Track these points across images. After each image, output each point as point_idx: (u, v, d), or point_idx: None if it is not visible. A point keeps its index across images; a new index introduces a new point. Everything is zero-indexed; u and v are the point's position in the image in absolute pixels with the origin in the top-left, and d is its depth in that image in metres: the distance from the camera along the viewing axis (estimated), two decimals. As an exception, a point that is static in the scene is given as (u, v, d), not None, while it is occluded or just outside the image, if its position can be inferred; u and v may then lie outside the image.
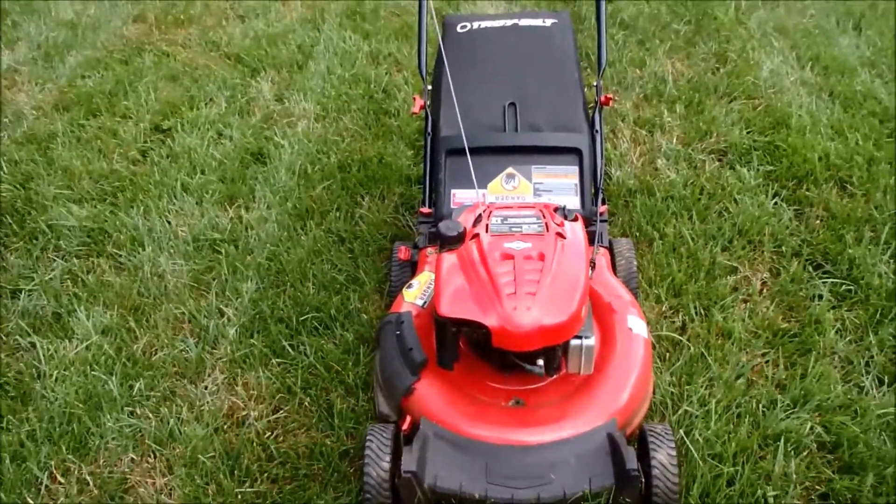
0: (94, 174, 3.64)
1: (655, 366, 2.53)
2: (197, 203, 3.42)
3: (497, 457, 2.13)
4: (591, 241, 2.62)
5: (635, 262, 2.73)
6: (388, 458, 2.09)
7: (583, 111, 2.77)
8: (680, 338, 2.63)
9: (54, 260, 3.16)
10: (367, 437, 2.13)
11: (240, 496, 2.22)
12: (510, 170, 2.66)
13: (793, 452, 2.28)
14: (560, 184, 2.65)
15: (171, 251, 3.15)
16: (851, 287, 2.84)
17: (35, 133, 3.95)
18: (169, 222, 3.31)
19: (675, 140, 3.64)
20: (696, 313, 2.73)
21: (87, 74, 4.50)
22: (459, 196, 2.66)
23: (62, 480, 2.30)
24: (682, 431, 2.30)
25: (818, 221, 3.16)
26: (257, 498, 2.22)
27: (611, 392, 2.26)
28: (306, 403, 2.49)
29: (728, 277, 2.89)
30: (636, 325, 2.40)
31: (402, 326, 2.36)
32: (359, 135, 3.82)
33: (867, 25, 4.63)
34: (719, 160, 3.55)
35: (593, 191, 2.70)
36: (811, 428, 2.33)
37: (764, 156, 3.52)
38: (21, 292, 3.00)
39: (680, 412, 2.37)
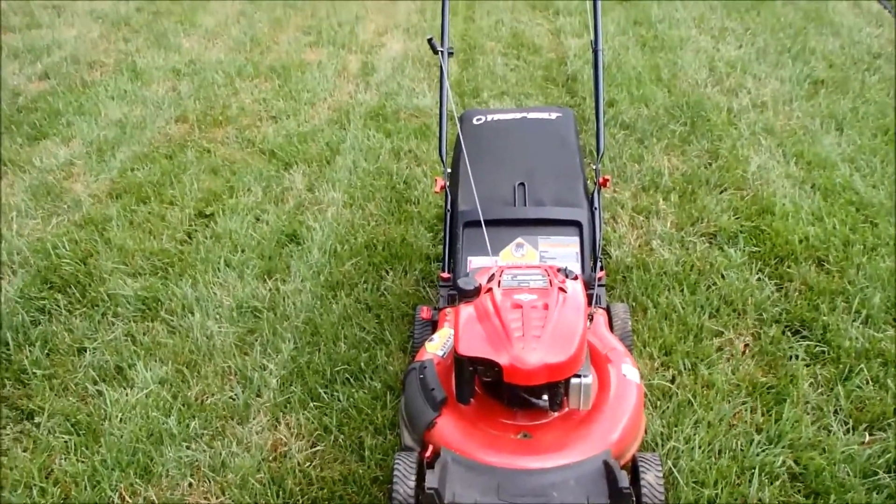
0: (146, 252, 4.22)
1: (647, 411, 3.00)
2: (238, 277, 3.98)
3: (506, 479, 2.59)
4: (590, 301, 3.15)
5: (630, 324, 3.24)
6: (413, 478, 2.56)
7: (583, 190, 3.35)
8: (670, 386, 3.11)
9: (114, 323, 3.71)
10: (396, 462, 2.60)
11: (285, 512, 2.67)
12: (520, 239, 3.21)
13: (767, 481, 2.72)
14: (563, 252, 3.20)
15: (217, 316, 3.68)
16: (824, 348, 3.33)
17: (92, 217, 4.57)
18: (215, 292, 3.86)
19: (669, 225, 4.21)
20: (684, 368, 3.22)
21: (136, 167, 5.16)
22: (475, 262, 3.20)
23: (130, 500, 2.76)
24: (669, 463, 2.76)
25: (797, 294, 3.67)
26: (306, 518, 2.67)
27: (607, 427, 2.73)
28: (340, 440, 2.97)
29: (714, 339, 3.39)
30: (630, 372, 2.89)
31: (426, 371, 2.87)
32: (383, 219, 4.42)
33: (848, 126, 5.26)
34: (709, 242, 4.10)
35: (592, 259, 3.23)
36: (783, 461, 2.79)
37: (750, 238, 4.07)
38: (86, 350, 3.53)
39: (668, 446, 2.84)
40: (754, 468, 2.76)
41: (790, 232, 4.06)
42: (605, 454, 2.62)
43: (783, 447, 2.85)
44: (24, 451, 3.02)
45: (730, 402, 3.07)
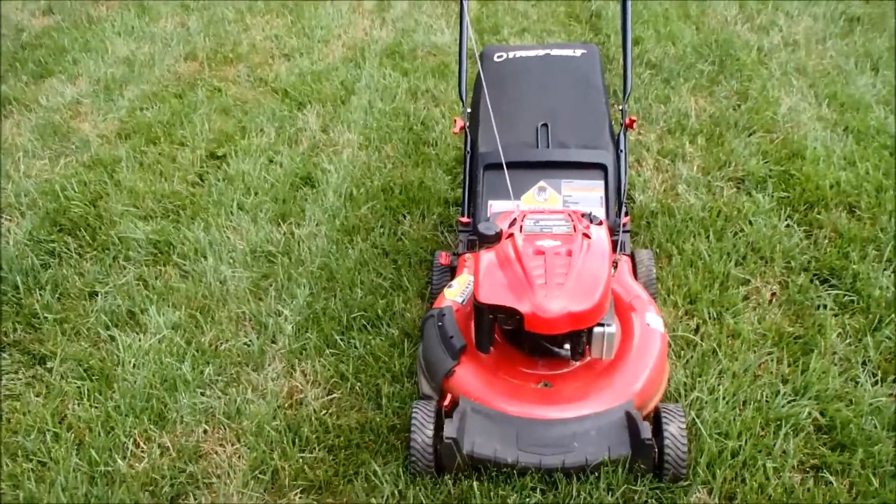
0: (156, 194, 4.19)
1: (671, 361, 2.97)
2: (252, 220, 3.95)
3: (526, 429, 2.58)
4: (614, 248, 3.10)
5: (654, 271, 3.20)
6: (431, 427, 2.55)
7: (608, 132, 3.27)
8: (694, 337, 3.07)
9: (125, 267, 3.69)
10: (414, 410, 2.59)
11: (301, 460, 2.68)
12: (542, 183, 3.15)
13: (792, 433, 2.70)
14: (587, 196, 3.14)
15: (231, 261, 3.66)
16: (854, 298, 3.28)
17: (100, 158, 4.53)
18: (228, 236, 3.83)
19: (695, 169, 4.12)
20: (709, 317, 3.18)
21: (145, 107, 5.09)
22: (495, 206, 3.15)
23: (145, 446, 2.78)
24: (693, 413, 2.74)
25: (826, 241, 3.60)
26: (316, 462, 2.69)
27: (629, 376, 2.71)
28: (357, 388, 2.97)
29: (740, 288, 3.34)
30: (654, 321, 2.86)
31: (444, 319, 2.84)
32: (399, 162, 4.36)
33: (885, 66, 5.11)
34: (737, 187, 4.02)
35: (617, 204, 3.17)
36: (809, 413, 2.77)
37: (779, 183, 3.99)
38: (98, 294, 3.52)
39: (692, 397, 2.81)
40: (780, 420, 2.74)
41: (821, 177, 3.97)
42: (627, 405, 2.61)
43: (809, 399, 2.82)
44: (37, 395, 3.03)
45: (755, 353, 3.03)
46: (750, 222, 3.72)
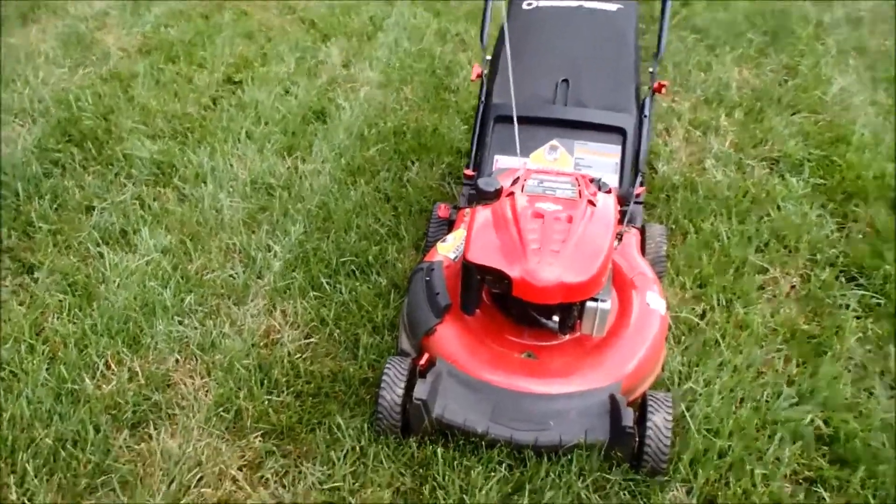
0: (168, 114, 4.06)
1: (669, 346, 2.79)
2: (258, 150, 3.81)
3: (503, 400, 2.43)
4: (622, 219, 2.90)
5: (665, 248, 3.00)
6: (402, 385, 2.42)
7: (633, 95, 3.05)
8: (699, 322, 2.88)
9: (126, 185, 3.59)
10: (386, 366, 2.46)
11: (267, 402, 2.58)
12: (554, 142, 2.95)
13: (789, 439, 2.51)
14: (601, 161, 2.93)
15: (230, 190, 3.54)
16: (881, 301, 3.05)
17: (118, 72, 4.41)
18: (231, 164, 3.70)
19: (727, 144, 3.88)
20: (717, 303, 2.98)
21: (170, 24, 4.95)
22: (502, 162, 2.96)
23: (115, 369, 2.70)
24: (683, 405, 2.56)
25: (860, 236, 3.35)
26: (282, 406, 2.58)
27: (620, 358, 2.54)
28: (336, 335, 2.84)
29: (757, 276, 3.13)
30: (655, 301, 2.67)
31: (433, 273, 2.69)
32: (417, 105, 4.17)
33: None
34: (770, 168, 3.77)
35: (633, 173, 2.96)
36: (812, 420, 2.57)
37: (817, 169, 3.73)
38: (94, 209, 3.44)
39: (685, 387, 2.64)
40: (778, 423, 2.55)
41: (864, 166, 3.70)
42: (613, 387, 2.44)
43: (814, 405, 2.62)
44: (21, 304, 2.97)
45: (763, 348, 2.84)
46: (778, 207, 3.49)
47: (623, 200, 2.88)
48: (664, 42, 3.18)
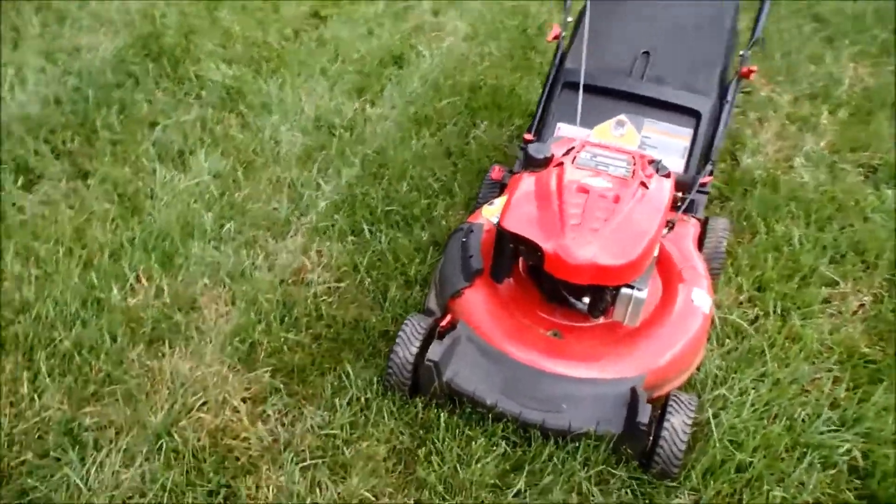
0: (248, 40, 4.09)
1: (710, 347, 2.65)
2: (329, 88, 3.80)
3: (518, 374, 2.36)
4: (678, 206, 2.75)
5: (725, 243, 2.83)
6: (417, 344, 2.37)
7: (716, 77, 2.87)
8: (747, 328, 2.72)
9: (192, 105, 3.65)
10: (405, 323, 2.41)
11: (283, 340, 2.57)
12: (622, 117, 2.81)
13: (819, 466, 2.35)
14: (669, 143, 2.78)
15: (293, 123, 3.54)
16: (957, 337, 2.80)
17: (207, -7, 4.45)
18: (300, 98, 3.69)
19: (823, 144, 3.63)
20: (773, 311, 2.81)
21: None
22: (564, 130, 2.85)
23: (145, 284, 2.74)
24: (710, 411, 2.43)
25: (949, 264, 3.09)
26: (297, 346, 2.57)
27: (650, 351, 2.43)
28: (366, 283, 2.82)
29: (823, 288, 2.93)
30: (700, 298, 2.54)
31: (471, 235, 2.62)
32: (499, 62, 4.06)
33: None
34: (865, 175, 3.52)
35: (704, 160, 2.79)
36: (849, 450, 2.40)
37: (918, 184, 3.45)
38: (158, 125, 3.49)
39: (717, 393, 2.49)
40: (810, 447, 2.38)
41: (978, 189, 3.40)
42: (637, 380, 2.34)
43: (856, 434, 2.44)
44: (70, 208, 3.05)
45: (813, 365, 2.66)
46: (865, 218, 3.24)
47: (685, 187, 2.72)
48: (761, 25, 2.96)
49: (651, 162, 2.50)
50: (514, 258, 2.44)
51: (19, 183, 3.11)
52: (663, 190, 2.43)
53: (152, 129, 3.47)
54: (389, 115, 3.65)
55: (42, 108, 3.46)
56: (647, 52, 2.90)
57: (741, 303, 2.86)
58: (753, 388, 2.52)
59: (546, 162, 2.45)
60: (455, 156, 3.43)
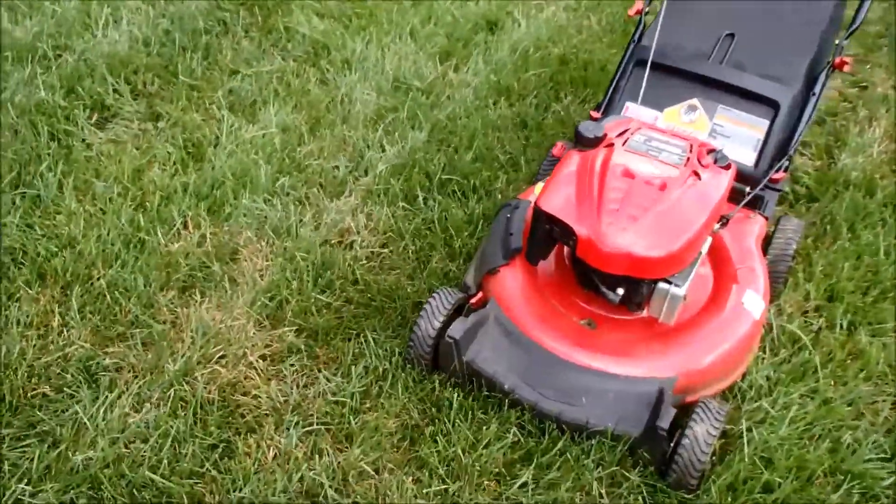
0: (342, -6, 4.11)
1: (761, 356, 2.50)
2: (416, 50, 3.77)
3: (541, 361, 2.30)
4: (754, 205, 2.59)
5: (795, 246, 2.65)
6: (441, 319, 2.34)
7: (805, 67, 2.66)
8: (804, 339, 2.54)
9: (276, 57, 3.69)
10: (433, 295, 2.38)
11: (313, 299, 2.59)
12: (694, 101, 2.66)
13: (859, 497, 2.18)
14: (742, 133, 2.61)
15: (372, 83, 3.53)
16: None
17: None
18: (383, 58, 3.68)
19: (942, 149, 3.33)
20: (840, 325, 2.61)
21: None
22: (632, 110, 2.72)
23: (191, 230, 2.82)
24: (745, 423, 2.29)
25: None
26: (326, 308, 2.59)
27: (687, 352, 2.31)
28: (409, 251, 2.81)
29: (905, 307, 2.70)
30: (753, 302, 2.39)
31: (515, 212, 2.56)
32: (596, 37, 3.92)
33: None
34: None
35: (780, 155, 2.61)
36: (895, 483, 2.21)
37: None
38: (238, 74, 3.57)
39: (757, 405, 2.35)
40: (851, 475, 2.21)
41: None
42: (667, 382, 2.24)
43: (908, 467, 2.26)
44: (137, 149, 3.16)
45: (875, 387, 2.46)
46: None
47: (753, 182, 2.55)
48: (864, 13, 2.72)
49: (710, 151, 2.35)
50: (549, 240, 2.36)
51: (93, 120, 3.25)
52: (719, 182, 2.28)
53: (232, 78, 3.55)
54: (471, 81, 3.59)
55: (130, 49, 3.59)
56: (731, 34, 2.72)
57: (806, 311, 2.67)
58: (799, 405, 2.36)
59: (596, 141, 2.34)
60: (530, 129, 3.34)
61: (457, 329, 2.29)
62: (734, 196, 2.47)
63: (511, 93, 3.55)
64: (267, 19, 3.91)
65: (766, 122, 2.61)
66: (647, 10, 2.90)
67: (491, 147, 3.23)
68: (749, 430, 2.28)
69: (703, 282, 2.50)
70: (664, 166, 2.26)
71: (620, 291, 2.30)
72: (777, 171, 2.61)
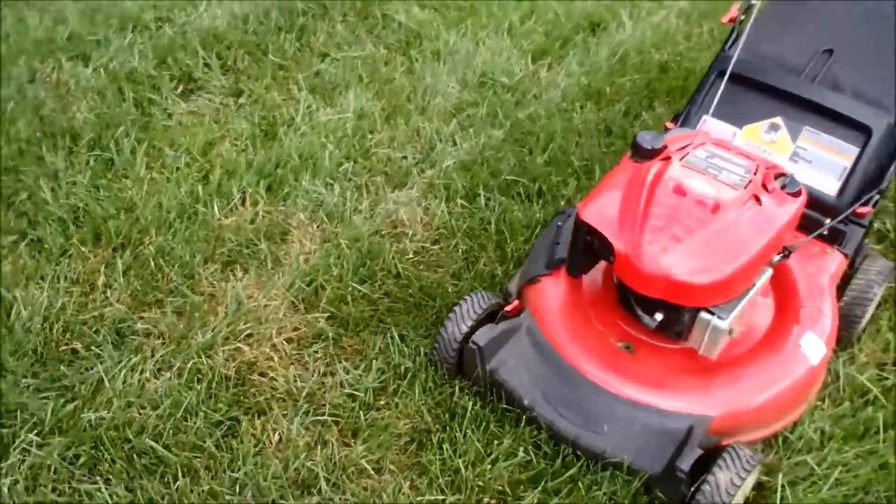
0: (445, -14, 4.07)
1: (821, 407, 2.28)
2: (511, 46, 3.69)
3: (566, 380, 2.20)
4: (833, 240, 2.38)
5: (877, 290, 2.41)
6: (470, 323, 2.27)
7: (910, 93, 2.41)
8: (874, 390, 2.30)
9: (367, 43, 3.70)
10: (465, 298, 2.32)
11: (350, 289, 2.56)
12: (777, 120, 2.46)
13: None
14: (826, 159, 2.40)
15: (458, 76, 3.48)
16: None
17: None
18: (476, 52, 3.62)
19: None
20: (922, 384, 2.35)
21: None
22: (710, 125, 2.54)
23: (247, 207, 2.86)
24: (783, 479, 2.10)
25: None
26: (362, 298, 2.56)
27: (730, 391, 2.16)
28: (459, 250, 2.75)
29: None
30: (812, 346, 2.20)
31: (568, 220, 2.44)
32: (705, 45, 3.72)
33: None
34: None
35: (869, 187, 2.38)
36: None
37: None
38: (327, 57, 3.59)
39: (801, 459, 2.15)
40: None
41: None
42: (700, 420, 2.09)
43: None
44: (215, 122, 3.24)
45: (949, 458, 2.21)
46: None
47: (833, 214, 2.33)
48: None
49: (779, 175, 2.16)
50: (590, 253, 2.24)
51: (178, 90, 3.35)
52: (782, 209, 2.09)
53: (321, 60, 3.58)
54: (561, 82, 3.48)
55: (227, 25, 3.68)
56: (829, 50, 2.50)
57: (884, 364, 2.43)
58: (853, 465, 2.14)
59: (653, 153, 2.19)
60: (614, 136, 3.20)
61: (482, 336, 2.22)
62: (810, 227, 2.28)
63: (601, 97, 3.41)
64: (366, 5, 3.93)
65: (856, 150, 2.38)
66: (742, 17, 2.71)
67: (567, 151, 3.11)
68: (786, 485, 2.09)
69: (762, 317, 2.32)
70: (722, 186, 2.09)
71: (658, 317, 2.15)
72: (866, 204, 2.38)
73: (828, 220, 2.32)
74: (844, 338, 2.42)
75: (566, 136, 3.19)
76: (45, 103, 3.19)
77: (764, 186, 2.11)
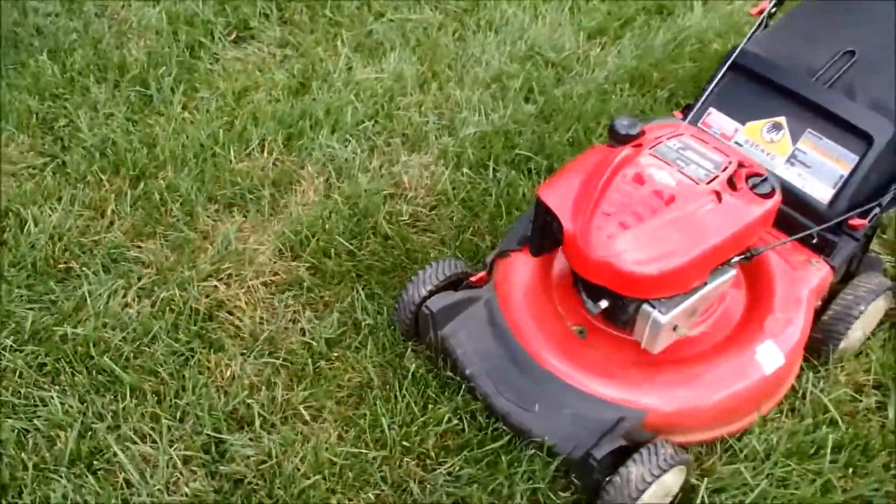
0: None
1: (778, 417, 2.23)
2: (570, 22, 3.66)
3: (512, 358, 2.23)
4: (822, 251, 2.30)
5: (864, 308, 2.29)
6: (429, 288, 2.35)
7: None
8: (833, 412, 2.22)
9: (425, 8, 3.76)
10: (429, 264, 2.38)
11: (333, 244, 2.68)
12: (781, 119, 2.38)
13: None
14: (824, 165, 2.30)
15: (507, 49, 3.49)
16: None
17: None
18: (532, 24, 3.62)
19: None
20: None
21: None
22: (714, 118, 2.48)
23: (263, 155, 3.00)
24: (705, 483, 2.07)
25: None
26: (346, 252, 2.67)
27: (671, 390, 2.14)
28: (453, 217, 2.80)
29: None
30: (768, 355, 2.16)
31: (548, 201, 2.45)
32: (773, 36, 3.57)
33: None
34: None
35: (867, 197, 2.28)
36: None
37: None
38: (383, 17, 3.69)
39: (733, 468, 2.11)
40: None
41: None
42: (633, 413, 2.10)
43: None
44: (258, 70, 3.39)
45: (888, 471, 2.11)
46: None
47: (822, 220, 2.25)
48: None
49: (752, 175, 2.11)
50: (550, 233, 2.25)
51: (231, 37, 3.53)
52: (747, 209, 2.04)
53: (376, 20, 3.67)
54: (608, 63, 3.44)
55: (293, -23, 3.85)
56: (850, 52, 2.39)
57: (862, 386, 2.32)
58: (790, 483, 2.08)
59: (626, 139, 2.18)
60: (644, 116, 3.17)
61: (436, 302, 2.28)
62: (798, 233, 2.24)
63: (646, 82, 3.35)
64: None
65: (856, 158, 2.27)
66: (773, 10, 2.62)
67: (591, 131, 3.10)
68: (713, 490, 2.07)
69: (725, 320, 2.28)
70: (684, 179, 2.07)
71: (603, 304, 2.16)
72: (862, 216, 2.28)
73: (813, 228, 2.26)
74: (825, 353, 2.34)
75: (597, 117, 3.17)
76: (103, 38, 3.45)
77: (731, 184, 2.07)
